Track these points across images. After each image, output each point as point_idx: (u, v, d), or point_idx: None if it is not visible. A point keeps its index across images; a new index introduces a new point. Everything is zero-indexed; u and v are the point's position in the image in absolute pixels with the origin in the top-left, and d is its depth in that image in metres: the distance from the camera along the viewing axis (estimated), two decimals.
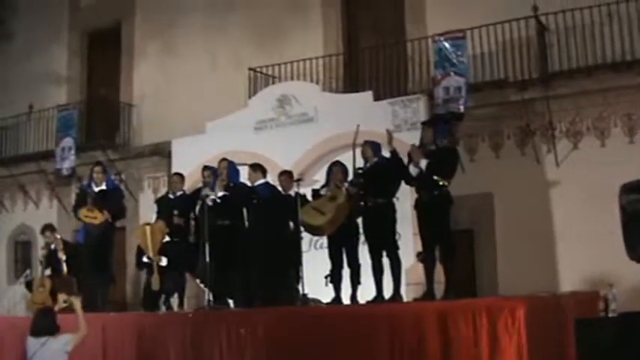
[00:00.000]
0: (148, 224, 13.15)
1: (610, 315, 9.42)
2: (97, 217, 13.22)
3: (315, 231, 11.56)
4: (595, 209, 13.66)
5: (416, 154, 10.72)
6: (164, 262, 12.85)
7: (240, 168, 12.75)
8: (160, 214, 13.31)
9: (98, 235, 13.21)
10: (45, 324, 8.94)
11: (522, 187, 15.03)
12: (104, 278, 13.36)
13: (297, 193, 11.68)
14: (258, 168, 12.55)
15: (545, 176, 15.09)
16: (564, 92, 14.85)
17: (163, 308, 13.02)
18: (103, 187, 13.44)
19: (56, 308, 10.08)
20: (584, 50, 14.78)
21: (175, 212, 13.04)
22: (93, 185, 13.42)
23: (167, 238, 12.95)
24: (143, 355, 10.81)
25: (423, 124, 11.81)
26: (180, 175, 13.75)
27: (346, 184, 11.20)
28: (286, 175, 12.48)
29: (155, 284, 12.79)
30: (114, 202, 13.55)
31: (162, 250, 12.90)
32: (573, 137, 14.96)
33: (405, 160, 10.90)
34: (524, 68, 15.25)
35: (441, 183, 10.46)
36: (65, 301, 10.23)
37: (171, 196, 13.50)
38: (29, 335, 8.95)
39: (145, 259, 12.99)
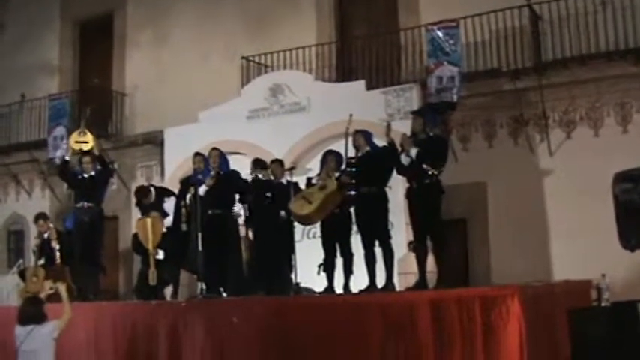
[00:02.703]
0: (148, 217, 13.08)
1: (603, 304, 9.40)
2: (88, 142, 13.16)
3: (302, 220, 11.53)
4: (588, 198, 13.65)
5: (406, 144, 10.71)
6: (161, 255, 12.82)
7: (229, 157, 12.77)
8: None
9: (87, 222, 13.15)
10: (32, 312, 8.96)
11: (515, 176, 15.02)
12: (94, 267, 13.32)
13: (289, 182, 11.70)
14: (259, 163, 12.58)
15: (538, 166, 15.07)
16: (557, 81, 14.82)
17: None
18: (92, 173, 13.40)
19: (43, 295, 10.08)
20: (577, 39, 14.76)
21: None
22: (83, 174, 13.40)
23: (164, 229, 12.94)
24: (136, 344, 10.80)
25: (413, 113, 11.80)
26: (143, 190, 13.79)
27: (337, 174, 11.19)
28: (277, 164, 12.50)
29: (152, 278, 12.74)
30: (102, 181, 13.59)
31: (160, 242, 12.87)
32: (566, 126, 14.95)
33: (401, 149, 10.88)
34: (518, 57, 15.22)
35: (430, 172, 10.45)
36: (51, 288, 10.24)
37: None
38: (17, 324, 8.97)
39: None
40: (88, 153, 13.59)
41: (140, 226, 13.04)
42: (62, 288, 9.35)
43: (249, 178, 12.42)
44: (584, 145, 14.66)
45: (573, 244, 14.00)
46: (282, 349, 9.61)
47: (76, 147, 13.31)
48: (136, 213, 14.23)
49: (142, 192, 13.59)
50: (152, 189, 13.65)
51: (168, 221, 13.02)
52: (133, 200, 14.18)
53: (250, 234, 12.62)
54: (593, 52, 14.63)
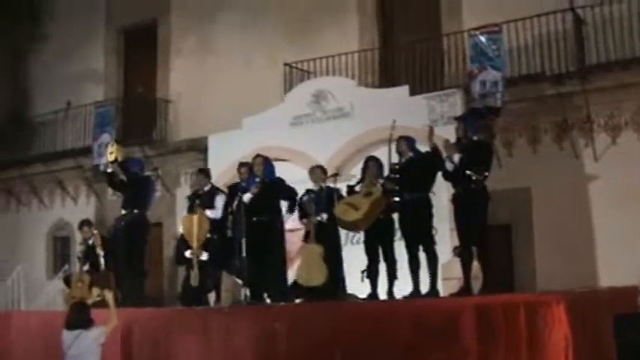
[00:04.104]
0: (194, 214, 13.09)
1: None
2: (112, 153, 13.45)
3: (349, 227, 11.53)
4: (634, 204, 13.55)
5: (448, 149, 10.68)
6: (204, 256, 12.82)
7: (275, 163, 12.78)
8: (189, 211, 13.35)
9: (125, 227, 13.28)
10: (79, 318, 9.09)
11: (560, 181, 14.90)
12: (137, 273, 13.43)
13: (331, 188, 11.70)
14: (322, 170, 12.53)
15: (583, 171, 14.94)
16: (602, 85, 14.69)
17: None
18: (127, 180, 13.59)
19: (90, 302, 10.21)
20: (621, 43, 14.63)
21: (197, 202, 13.09)
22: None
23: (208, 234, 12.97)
24: (179, 349, 10.85)
25: (456, 119, 11.80)
26: (204, 171, 13.78)
27: (381, 180, 11.18)
28: (320, 170, 12.48)
29: (194, 280, 12.76)
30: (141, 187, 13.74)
31: (204, 244, 12.89)
32: (612, 131, 14.80)
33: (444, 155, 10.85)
34: (561, 62, 15.12)
35: (473, 177, 10.40)
36: (98, 295, 10.39)
37: (200, 192, 13.51)
38: (64, 329, 9.09)
39: (187, 254, 12.90)
40: (115, 162, 13.78)
41: (186, 222, 13.04)
42: (109, 296, 9.50)
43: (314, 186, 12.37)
44: (629, 150, 14.51)
45: (619, 249, 13.87)
46: (326, 355, 9.61)
47: (108, 157, 13.61)
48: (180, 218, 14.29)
49: (203, 173, 13.67)
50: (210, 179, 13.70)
51: (215, 213, 12.97)
52: (180, 203, 14.21)
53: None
54: (638, 56, 14.50)
